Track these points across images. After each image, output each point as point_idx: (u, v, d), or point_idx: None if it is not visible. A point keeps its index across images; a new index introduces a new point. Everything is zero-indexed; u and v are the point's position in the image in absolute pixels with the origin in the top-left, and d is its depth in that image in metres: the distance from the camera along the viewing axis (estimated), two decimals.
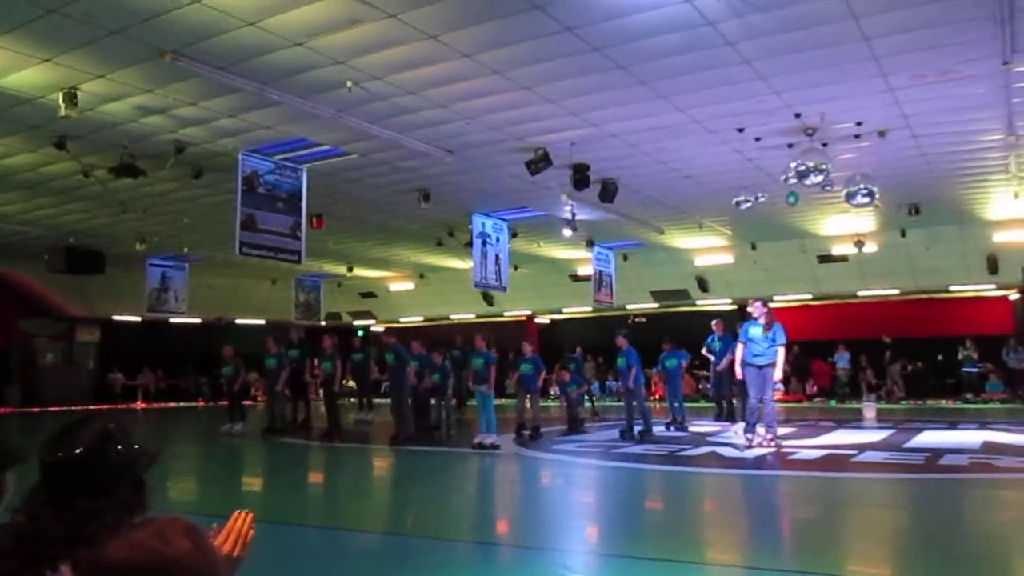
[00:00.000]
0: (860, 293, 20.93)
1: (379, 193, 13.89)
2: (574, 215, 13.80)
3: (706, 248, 20.09)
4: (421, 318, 26.88)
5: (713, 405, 16.12)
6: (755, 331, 10.74)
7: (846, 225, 17.14)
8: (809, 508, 7.42)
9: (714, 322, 14.54)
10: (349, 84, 8.55)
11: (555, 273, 22.87)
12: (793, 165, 10.28)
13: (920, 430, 12.91)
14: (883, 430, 13.29)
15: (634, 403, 12.60)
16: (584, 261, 20.54)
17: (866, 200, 11.31)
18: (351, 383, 18.86)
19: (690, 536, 6.29)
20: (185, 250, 19.12)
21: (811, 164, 10.17)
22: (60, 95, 8.54)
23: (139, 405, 24.18)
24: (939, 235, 17.78)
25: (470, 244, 15.73)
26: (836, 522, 6.72)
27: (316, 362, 15.59)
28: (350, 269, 22.87)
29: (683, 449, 11.10)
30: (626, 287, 20.84)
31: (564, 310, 25.22)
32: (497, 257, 16.13)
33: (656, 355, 14.44)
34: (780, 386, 11.91)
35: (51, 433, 1.68)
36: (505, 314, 25.38)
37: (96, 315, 24.17)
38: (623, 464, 9.98)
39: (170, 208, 14.65)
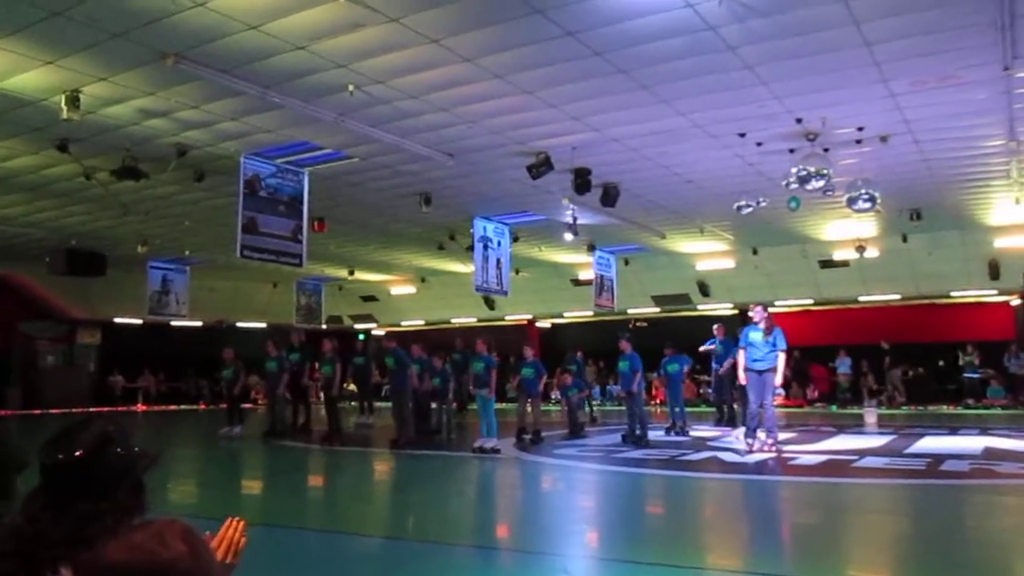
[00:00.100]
0: (861, 298, 20.90)
1: (380, 197, 13.89)
2: (575, 219, 13.80)
3: (707, 253, 20.08)
4: (422, 322, 26.88)
5: (714, 410, 16.12)
6: (755, 336, 10.74)
7: (847, 230, 17.13)
8: (810, 513, 7.41)
9: (716, 326, 14.54)
10: (351, 88, 8.56)
11: (556, 277, 22.87)
12: (794, 170, 10.29)
13: (921, 436, 12.90)
14: (884, 435, 13.27)
15: (634, 408, 12.60)
16: (585, 265, 20.54)
17: (867, 205, 11.31)
18: (352, 387, 18.88)
19: (691, 541, 6.28)
20: (186, 253, 19.13)
21: (812, 169, 10.17)
22: (63, 98, 8.55)
23: (140, 408, 24.18)
24: (941, 240, 17.78)
25: (471, 248, 15.74)
26: (837, 528, 6.71)
27: (317, 365, 15.60)
28: (351, 272, 22.87)
29: (684, 454, 11.09)
30: (627, 291, 20.84)
31: (565, 314, 25.21)
32: (498, 261, 16.14)
33: (657, 359, 14.43)
34: (781, 391, 11.89)
35: (51, 435, 1.69)
36: (506, 318, 25.38)
37: (97, 317, 24.17)
38: (624, 469, 9.98)
39: (172, 211, 14.67)
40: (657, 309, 23.08)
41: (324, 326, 25.00)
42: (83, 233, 16.55)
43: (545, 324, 27.05)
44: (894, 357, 21.11)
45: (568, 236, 14.36)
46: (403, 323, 27.30)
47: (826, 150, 10.53)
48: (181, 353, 25.68)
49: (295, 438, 14.33)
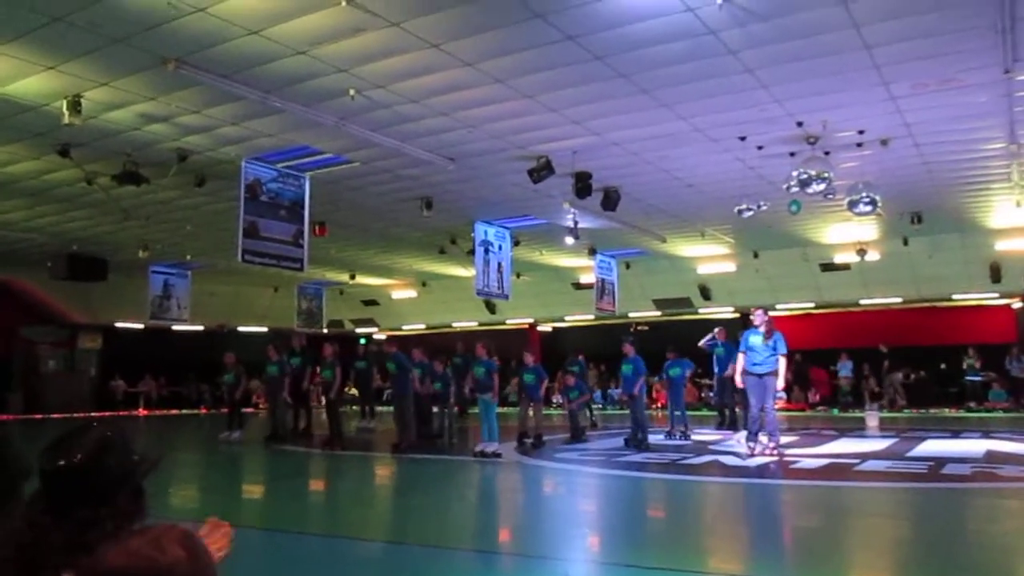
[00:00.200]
0: (862, 301, 20.89)
1: (381, 201, 13.91)
2: (576, 223, 13.81)
3: (708, 256, 20.09)
4: (423, 326, 26.88)
5: (715, 414, 16.11)
6: (755, 340, 10.74)
7: (848, 233, 17.14)
8: (811, 517, 7.39)
9: (716, 329, 14.52)
10: (352, 92, 8.57)
11: (557, 281, 22.87)
12: (795, 173, 10.29)
13: (923, 439, 12.88)
14: (886, 439, 13.26)
15: (635, 413, 12.60)
16: (586, 269, 20.55)
17: (868, 209, 11.32)
18: (353, 391, 18.89)
19: (692, 545, 6.27)
20: (188, 257, 19.15)
21: (813, 172, 10.18)
22: (64, 103, 8.57)
23: (141, 412, 24.17)
24: (941, 243, 17.77)
25: (472, 252, 15.75)
26: (838, 531, 6.69)
27: (318, 370, 15.62)
28: (352, 277, 22.88)
29: (685, 457, 11.08)
30: (628, 295, 20.84)
31: (566, 318, 25.20)
32: (499, 265, 16.15)
33: (659, 363, 14.41)
34: (782, 395, 11.89)
35: (50, 441, 1.68)
36: (507, 322, 25.37)
37: (98, 322, 24.19)
38: (625, 473, 9.97)
39: (173, 216, 14.69)
40: (658, 313, 23.07)
41: (325, 330, 25.00)
42: (84, 238, 16.57)
43: (546, 328, 27.05)
44: (893, 360, 21.10)
45: (569, 240, 14.38)
46: (404, 327, 27.30)
47: (827, 153, 10.54)
48: (182, 358, 25.69)
49: (296, 443, 14.33)
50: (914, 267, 18.63)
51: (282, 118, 9.59)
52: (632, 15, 6.96)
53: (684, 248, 19.10)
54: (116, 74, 8.18)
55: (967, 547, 5.90)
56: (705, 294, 21.71)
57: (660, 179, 12.59)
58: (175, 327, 22.69)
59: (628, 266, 20.77)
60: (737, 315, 22.13)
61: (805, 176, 10.21)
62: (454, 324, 25.90)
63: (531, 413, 12.98)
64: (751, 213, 12.22)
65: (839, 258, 19.02)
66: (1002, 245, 17.40)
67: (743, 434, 11.59)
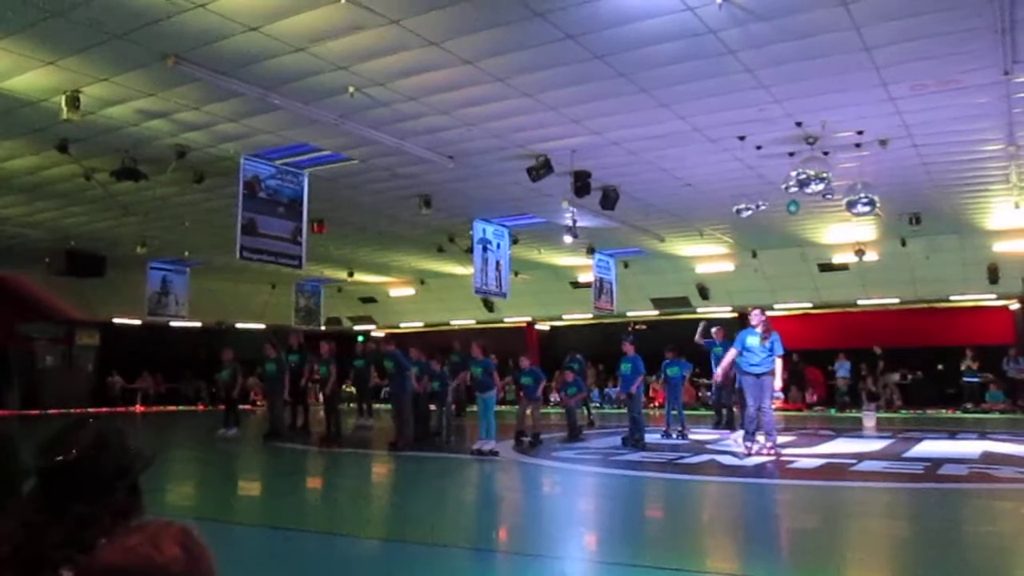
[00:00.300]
0: (860, 302, 20.90)
1: (380, 199, 13.90)
2: (575, 222, 13.81)
3: (707, 256, 20.09)
4: (421, 324, 26.87)
5: (712, 413, 16.12)
6: (753, 340, 10.74)
7: (847, 234, 17.16)
8: (808, 517, 7.40)
9: (714, 329, 14.51)
10: (351, 90, 8.56)
11: (556, 280, 22.87)
12: (794, 174, 10.30)
13: (920, 440, 12.90)
14: (883, 439, 13.28)
15: (632, 412, 12.61)
16: (585, 268, 20.55)
17: (867, 209, 11.33)
18: (351, 388, 18.90)
19: (689, 544, 6.27)
20: (186, 254, 19.13)
21: (812, 173, 10.18)
22: (63, 98, 8.56)
23: (138, 409, 24.15)
24: (940, 245, 17.79)
25: (471, 250, 15.74)
26: (835, 531, 6.70)
27: (315, 367, 15.62)
28: (351, 274, 22.87)
29: (682, 457, 11.08)
30: (627, 294, 20.85)
31: (564, 317, 25.20)
32: (498, 263, 16.14)
33: (657, 363, 14.41)
34: (780, 395, 11.91)
35: (47, 437, 1.68)
36: (505, 320, 25.37)
37: (96, 319, 24.16)
38: (622, 471, 9.97)
39: (171, 212, 14.67)
40: (656, 312, 23.07)
41: (323, 328, 24.99)
42: (82, 234, 16.55)
43: (544, 326, 27.05)
44: (888, 361, 21.11)
45: (568, 239, 14.37)
46: (402, 325, 27.29)
47: (826, 153, 10.55)
48: (180, 354, 25.67)
49: (294, 440, 14.32)
50: (912, 268, 18.65)
51: (281, 115, 9.58)
52: (632, 14, 6.95)
53: (682, 247, 19.11)
54: (115, 70, 8.17)
55: (962, 547, 5.90)
56: (703, 294, 21.73)
57: (659, 178, 12.60)
58: (173, 324, 22.68)
59: (626, 265, 20.77)
60: (735, 315, 22.14)
61: (804, 176, 10.22)
62: (452, 322, 25.89)
63: (528, 412, 12.99)
64: (750, 213, 12.23)
65: (837, 258, 19.04)
66: (1000, 246, 17.42)
67: (740, 434, 11.60)
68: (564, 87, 8.73)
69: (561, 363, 16.15)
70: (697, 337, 14.44)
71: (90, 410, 20.79)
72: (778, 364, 10.73)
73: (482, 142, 10.69)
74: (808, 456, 10.97)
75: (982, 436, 13.52)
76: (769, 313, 11.70)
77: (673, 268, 21.02)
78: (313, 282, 24.02)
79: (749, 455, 10.70)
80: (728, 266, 20.38)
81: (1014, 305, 20.30)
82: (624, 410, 14.02)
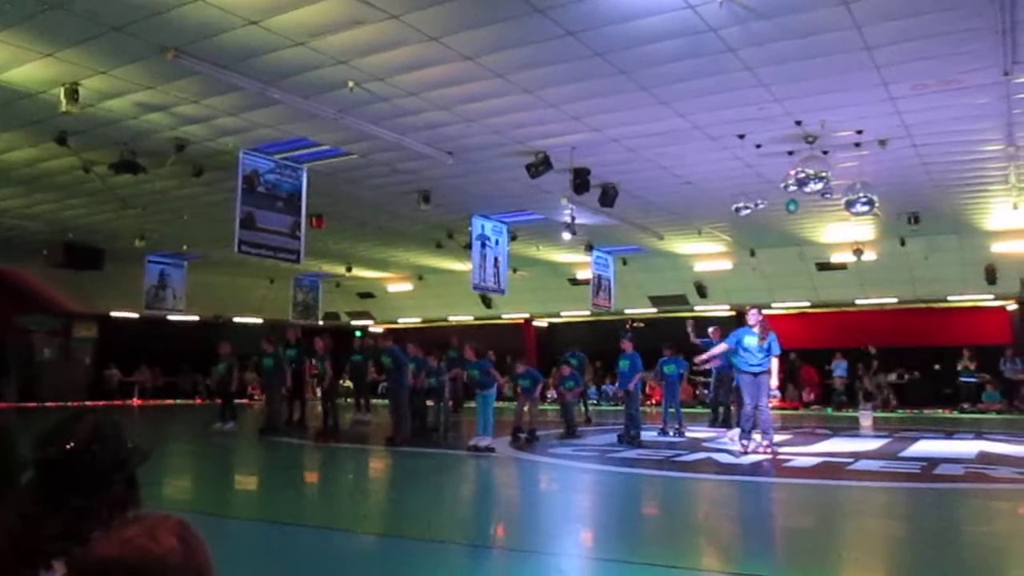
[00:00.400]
0: (858, 301, 20.93)
1: (379, 194, 13.89)
2: (574, 219, 13.80)
3: (705, 254, 20.10)
4: (419, 319, 26.88)
5: (709, 411, 16.14)
6: (751, 341, 10.75)
7: (845, 233, 17.17)
8: (804, 516, 7.41)
9: (711, 329, 14.53)
10: (351, 85, 8.56)
11: (554, 276, 22.87)
12: (793, 172, 10.30)
13: (916, 439, 12.92)
14: (879, 439, 13.30)
15: (630, 409, 12.62)
16: (583, 265, 20.55)
17: (865, 209, 11.33)
18: (348, 383, 18.90)
19: (684, 542, 6.28)
20: (184, 248, 19.10)
21: (811, 172, 10.19)
22: (61, 90, 8.54)
23: (136, 402, 24.14)
24: (938, 245, 17.80)
25: (469, 246, 15.73)
26: (830, 530, 6.72)
27: (313, 361, 15.63)
28: (349, 269, 22.87)
29: (679, 454, 11.10)
30: (625, 292, 20.85)
31: (562, 314, 25.21)
32: (496, 260, 16.13)
33: (654, 360, 14.41)
34: (777, 393, 11.97)
35: (44, 429, 1.68)
36: (503, 317, 25.38)
37: (94, 311, 24.14)
38: (618, 469, 9.98)
39: (170, 205, 14.65)
40: (654, 310, 23.08)
41: (321, 322, 24.98)
42: (81, 227, 16.52)
43: (542, 323, 27.06)
44: (882, 361, 21.12)
45: (566, 236, 14.36)
46: (400, 320, 27.29)
47: (825, 153, 10.55)
48: (178, 348, 25.65)
49: (290, 434, 14.31)
50: (910, 268, 18.67)
51: (280, 109, 9.57)
52: (633, 12, 6.95)
53: (681, 245, 19.11)
54: (114, 62, 8.15)
55: (958, 547, 5.92)
56: (701, 292, 21.74)
57: (658, 176, 12.60)
58: (171, 317, 22.66)
59: (625, 262, 20.77)
60: (733, 313, 22.16)
61: (803, 175, 10.22)
62: (450, 318, 25.90)
63: (526, 408, 13.01)
64: (748, 211, 12.23)
65: (836, 258, 19.05)
66: (998, 247, 17.44)
67: (736, 432, 11.62)
68: (564, 84, 8.73)
69: (562, 356, 16.11)
70: (692, 337, 14.47)
71: (87, 403, 20.81)
72: (774, 363, 10.77)
73: (482, 138, 10.68)
74: (804, 455, 10.98)
75: (978, 436, 13.54)
76: (767, 312, 11.75)
77: (671, 266, 21.02)
78: (311, 277, 24.01)
79: (745, 453, 10.72)
80: (726, 264, 20.39)
81: (1011, 306, 20.32)
82: (621, 407, 14.03)
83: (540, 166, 11.01)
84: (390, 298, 26.49)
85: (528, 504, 8.46)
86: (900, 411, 19.95)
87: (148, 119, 9.96)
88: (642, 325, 23.71)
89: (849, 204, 11.28)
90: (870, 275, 19.13)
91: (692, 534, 6.69)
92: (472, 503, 8.76)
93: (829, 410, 20.63)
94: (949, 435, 13.83)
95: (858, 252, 17.66)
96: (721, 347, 11.20)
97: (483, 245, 15.75)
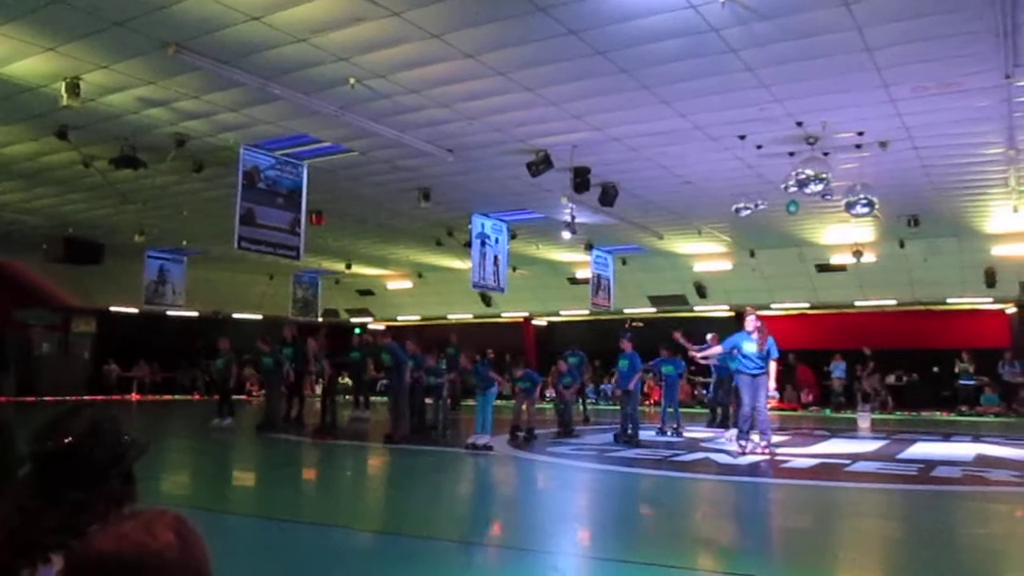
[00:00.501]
0: (857, 303, 20.94)
1: (379, 191, 13.89)
2: (574, 218, 13.80)
3: (705, 254, 20.10)
4: (418, 317, 26.88)
5: (707, 411, 16.15)
6: (749, 347, 10.81)
7: (845, 235, 17.17)
8: (801, 516, 7.42)
9: (710, 336, 14.57)
10: (352, 81, 8.55)
11: (553, 275, 22.87)
12: (794, 173, 10.29)
13: (914, 441, 12.93)
14: (877, 440, 13.31)
15: (628, 408, 12.64)
16: (583, 264, 20.55)
17: (865, 210, 11.33)
18: (347, 380, 18.93)
19: (681, 541, 6.29)
20: (184, 243, 19.10)
21: (812, 173, 10.18)
22: (62, 85, 8.53)
23: (134, 397, 24.14)
24: (938, 247, 17.80)
25: (469, 244, 15.74)
26: (827, 531, 6.73)
27: (311, 359, 15.67)
28: (348, 266, 22.87)
29: (677, 454, 11.11)
30: (624, 291, 20.84)
31: (561, 313, 25.22)
32: (496, 258, 16.13)
33: (653, 359, 14.40)
34: (775, 394, 12.02)
35: (42, 424, 1.68)
36: (503, 315, 25.38)
37: (93, 306, 24.14)
38: (616, 468, 9.99)
39: (170, 201, 14.65)
40: (653, 309, 23.09)
41: (320, 319, 24.99)
42: (80, 221, 16.52)
43: (541, 322, 27.07)
44: (877, 363, 21.12)
45: (566, 235, 14.37)
46: (399, 318, 27.29)
47: (826, 154, 10.55)
48: (177, 343, 25.64)
49: (288, 431, 14.32)
50: (910, 270, 18.67)
51: (281, 106, 9.56)
52: (635, 11, 6.95)
53: (681, 245, 19.11)
54: (115, 57, 8.14)
55: (955, 549, 5.93)
56: (701, 292, 21.74)
57: (659, 176, 12.59)
58: (170, 313, 22.66)
59: (624, 262, 20.76)
60: (732, 313, 22.16)
61: (803, 176, 10.22)
62: (449, 316, 25.91)
63: (525, 407, 13.01)
64: (749, 212, 12.23)
65: (835, 259, 19.05)
66: (998, 250, 17.43)
67: (734, 432, 11.64)
68: (565, 82, 8.72)
69: (561, 353, 16.09)
70: (691, 350, 14.45)
71: (86, 398, 20.79)
72: (772, 365, 10.83)
73: (482, 136, 10.68)
74: (802, 456, 11.00)
75: (976, 439, 13.55)
76: (766, 313, 11.79)
77: (671, 266, 21.02)
78: (311, 273, 24.01)
79: (743, 454, 10.73)
80: (726, 265, 20.39)
81: (1010, 309, 20.33)
82: (619, 407, 14.03)
83: (540, 164, 11.00)
84: (390, 295, 26.48)
85: (525, 502, 8.47)
86: (898, 413, 19.96)
87: (149, 114, 9.96)
88: (641, 325, 23.72)
89: (849, 206, 11.28)
90: (869, 277, 19.14)
91: (689, 534, 6.70)
92: (470, 501, 8.77)
93: (827, 411, 20.64)
94: (947, 437, 13.84)
95: (858, 254, 17.66)
96: (717, 349, 11.24)
97: (483, 243, 15.75)
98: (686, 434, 13.55)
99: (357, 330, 26.32)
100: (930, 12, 6.90)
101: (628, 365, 12.79)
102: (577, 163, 11.52)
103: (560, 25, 7.23)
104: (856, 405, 18.92)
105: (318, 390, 17.76)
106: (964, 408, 19.74)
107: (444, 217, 15.80)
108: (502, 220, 16.11)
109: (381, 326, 27.90)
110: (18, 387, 21.87)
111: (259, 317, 26.32)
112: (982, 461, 10.54)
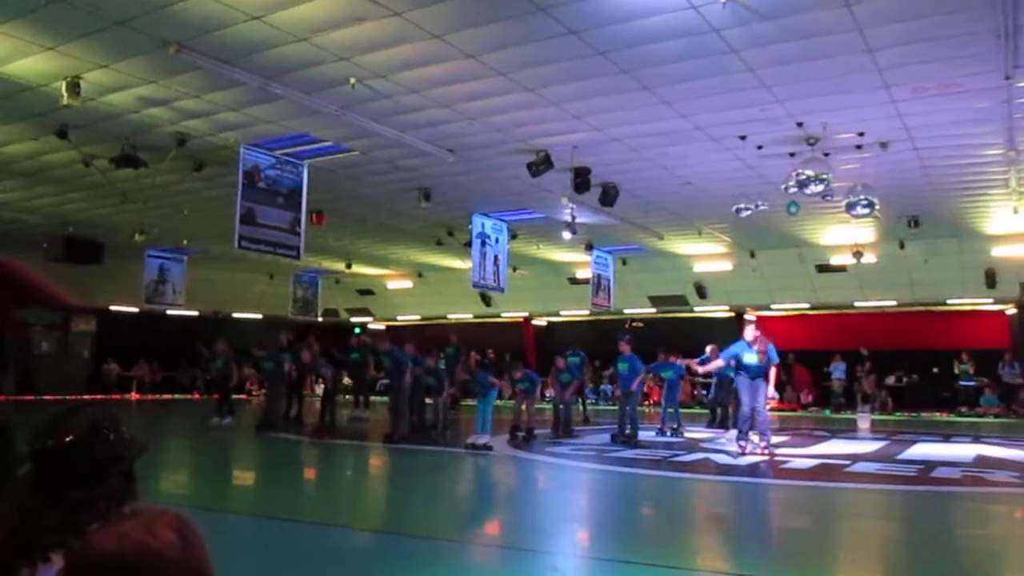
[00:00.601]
0: (858, 304, 20.93)
1: (380, 191, 13.88)
2: (574, 218, 13.80)
3: (705, 255, 20.10)
4: (418, 317, 26.87)
5: (707, 412, 16.15)
6: (750, 358, 10.89)
7: (845, 235, 17.16)
8: (801, 517, 7.42)
9: (709, 348, 14.61)
10: (352, 81, 8.55)
11: (553, 275, 22.86)
12: (794, 174, 10.29)
13: (914, 442, 12.93)
14: (877, 441, 13.31)
15: (627, 408, 12.63)
16: (583, 264, 20.54)
17: (866, 211, 11.33)
18: (348, 380, 18.96)
19: (681, 542, 6.29)
20: (184, 242, 19.10)
21: (812, 173, 10.18)
22: (63, 84, 8.53)
23: (134, 396, 24.13)
24: (938, 248, 17.80)
25: (469, 244, 15.73)
26: (826, 532, 6.73)
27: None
28: (349, 266, 22.85)
29: (676, 455, 11.11)
30: (624, 291, 20.83)
31: (562, 313, 25.22)
32: (496, 258, 16.13)
33: (652, 360, 14.41)
34: (775, 394, 12.08)
35: (42, 422, 1.68)
36: (503, 315, 25.37)
37: (93, 305, 24.13)
38: (615, 468, 9.99)
39: (170, 200, 14.64)
40: (653, 310, 23.08)
41: (320, 319, 24.98)
42: (81, 220, 16.51)
43: (541, 322, 27.06)
44: (873, 363, 21.11)
45: (566, 235, 14.37)
46: (399, 318, 27.29)
47: (826, 155, 10.54)
48: (177, 343, 25.64)
49: (287, 430, 14.32)
50: (910, 271, 18.66)
51: (282, 105, 9.56)
52: (635, 11, 6.94)
53: (681, 246, 19.11)
54: (116, 56, 8.14)
55: (954, 550, 5.93)
56: (701, 292, 21.73)
57: (659, 176, 12.59)
58: (170, 312, 22.65)
59: (625, 262, 20.75)
60: (732, 314, 22.18)
61: (804, 177, 10.21)
62: (449, 316, 25.89)
63: (524, 407, 13.00)
64: (749, 212, 12.23)
65: (835, 260, 19.04)
66: (998, 251, 17.43)
67: (734, 433, 11.65)
68: (566, 83, 8.72)
69: (562, 352, 16.08)
70: (693, 364, 14.46)
71: (85, 397, 20.79)
72: (771, 370, 11.01)
73: (483, 136, 10.67)
74: (802, 456, 11.00)
75: (976, 440, 13.56)
76: (766, 313, 11.82)
77: (671, 266, 21.02)
78: (311, 273, 24.00)
79: (743, 454, 10.74)
80: (726, 265, 20.39)
81: (1010, 310, 20.33)
82: (617, 407, 14.02)
83: (541, 165, 11.00)
84: (390, 295, 26.47)
85: (525, 502, 8.46)
86: (898, 414, 19.97)
87: (149, 113, 9.95)
88: (641, 325, 23.73)
89: (850, 206, 11.28)
90: (869, 277, 19.13)
91: (689, 534, 6.70)
92: (469, 501, 8.77)
93: (827, 412, 20.64)
94: (947, 438, 13.84)
95: (858, 254, 17.65)
96: (718, 363, 11.31)
97: (483, 243, 15.74)
98: (686, 434, 13.55)
99: (357, 330, 26.35)
100: (931, 13, 6.90)
101: (628, 368, 12.79)
102: (577, 163, 11.52)
103: (561, 25, 7.22)
104: (856, 406, 18.92)
105: (318, 390, 17.77)
106: (964, 409, 19.75)
107: (444, 217, 15.80)
108: (502, 220, 16.11)
109: (381, 326, 27.98)
110: (17, 386, 21.86)
111: (259, 316, 26.31)
112: (982, 462, 10.54)
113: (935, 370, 21.40)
